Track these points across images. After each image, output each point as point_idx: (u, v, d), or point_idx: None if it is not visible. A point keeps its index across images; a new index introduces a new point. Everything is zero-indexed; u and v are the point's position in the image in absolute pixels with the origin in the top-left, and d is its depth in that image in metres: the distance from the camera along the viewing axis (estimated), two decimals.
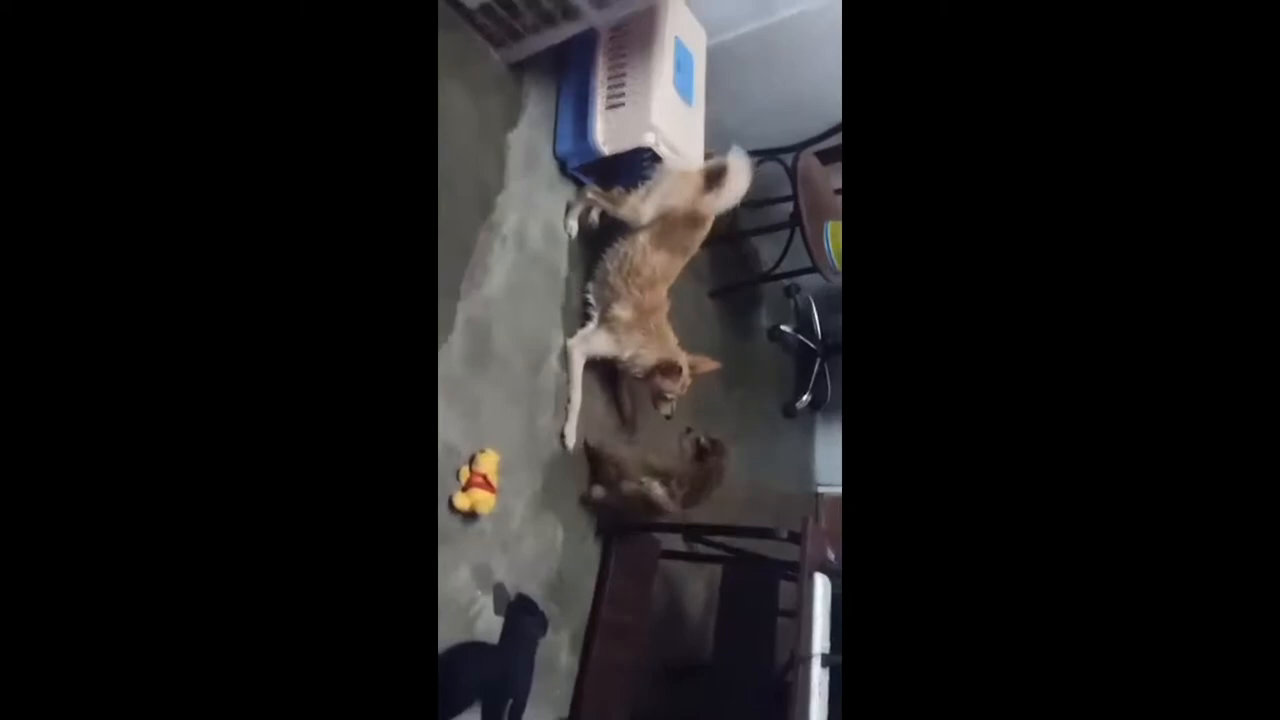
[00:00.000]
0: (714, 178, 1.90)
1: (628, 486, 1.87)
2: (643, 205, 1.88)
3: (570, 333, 1.95)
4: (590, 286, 1.97)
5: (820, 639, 1.56)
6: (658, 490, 1.85)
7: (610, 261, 1.93)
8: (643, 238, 1.89)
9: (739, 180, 1.90)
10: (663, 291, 1.93)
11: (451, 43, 1.74)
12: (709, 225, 1.94)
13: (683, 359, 1.91)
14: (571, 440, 1.90)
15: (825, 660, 1.53)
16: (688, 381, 1.93)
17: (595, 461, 1.93)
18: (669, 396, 1.94)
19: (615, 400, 2.10)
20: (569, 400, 1.91)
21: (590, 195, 1.96)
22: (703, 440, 1.92)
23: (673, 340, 1.93)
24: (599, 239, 2.00)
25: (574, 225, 2.00)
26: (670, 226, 1.88)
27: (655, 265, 1.88)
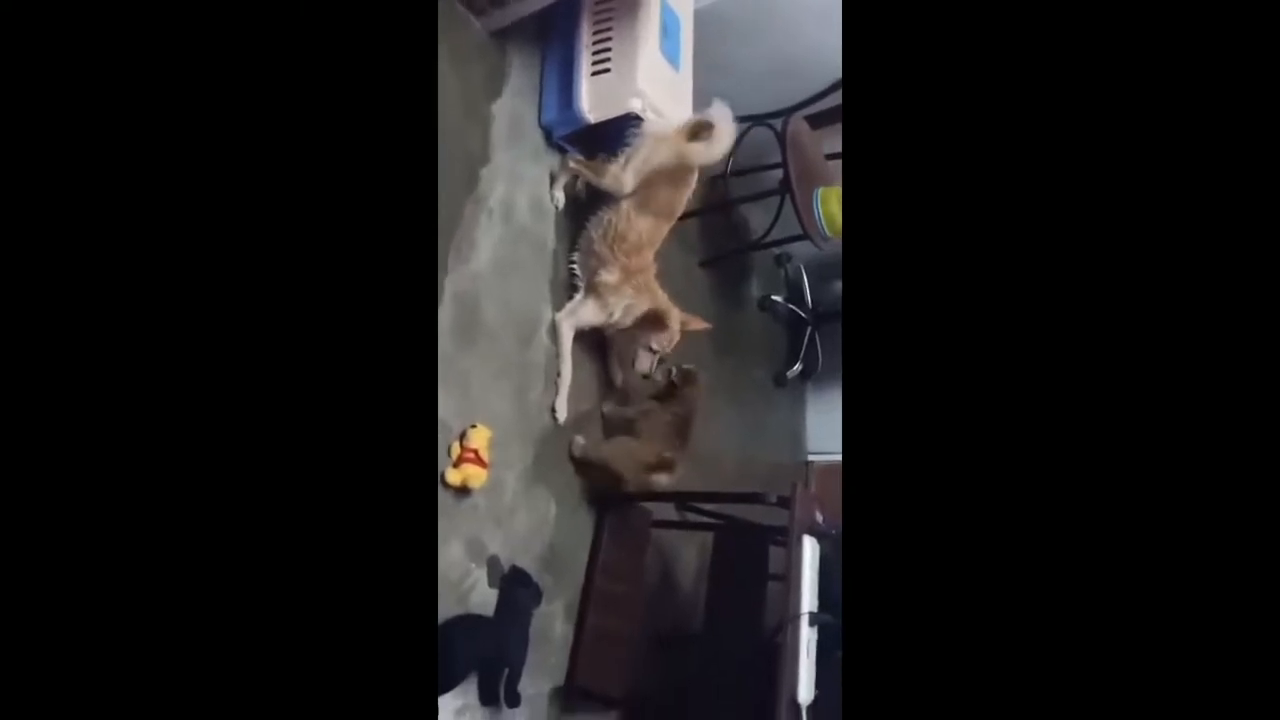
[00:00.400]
0: (698, 132, 1.86)
1: (633, 487, 1.90)
2: (623, 174, 1.86)
3: (558, 306, 1.94)
4: (576, 256, 1.96)
5: (809, 599, 1.60)
6: (665, 480, 1.88)
7: (595, 229, 1.90)
8: (626, 203, 1.87)
9: (725, 131, 1.85)
10: (649, 256, 1.91)
11: None
12: (693, 182, 1.91)
13: (674, 313, 1.90)
14: (563, 414, 1.89)
15: (813, 619, 1.57)
16: (676, 336, 1.92)
17: (586, 469, 1.93)
18: (655, 350, 1.93)
19: (605, 370, 2.09)
20: (559, 374, 1.90)
21: (573, 165, 1.94)
22: (674, 372, 1.92)
23: (662, 294, 1.92)
24: (585, 209, 1.98)
25: (560, 196, 1.98)
26: (654, 190, 1.86)
27: (640, 230, 1.87)
